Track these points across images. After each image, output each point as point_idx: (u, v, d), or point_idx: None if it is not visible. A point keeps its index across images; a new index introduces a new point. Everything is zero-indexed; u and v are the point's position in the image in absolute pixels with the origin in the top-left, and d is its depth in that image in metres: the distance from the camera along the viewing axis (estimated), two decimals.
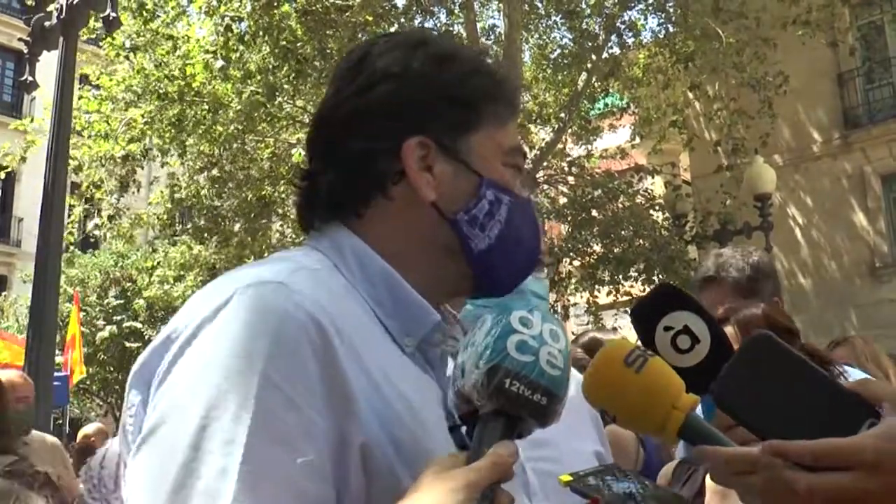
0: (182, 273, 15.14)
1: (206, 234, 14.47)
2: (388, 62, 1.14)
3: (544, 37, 15.99)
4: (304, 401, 0.90)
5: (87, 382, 18.57)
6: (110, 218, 14.20)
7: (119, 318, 22.55)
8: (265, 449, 0.87)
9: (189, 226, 14.74)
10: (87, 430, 8.35)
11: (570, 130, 15.69)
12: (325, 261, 1.10)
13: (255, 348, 0.91)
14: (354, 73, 1.16)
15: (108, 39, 12.47)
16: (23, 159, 13.88)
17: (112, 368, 22.54)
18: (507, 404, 0.91)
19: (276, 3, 11.89)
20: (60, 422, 14.45)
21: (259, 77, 12.21)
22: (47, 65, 8.66)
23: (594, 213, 14.25)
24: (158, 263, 16.51)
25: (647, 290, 2.68)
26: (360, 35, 12.25)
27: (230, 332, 0.92)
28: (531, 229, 1.19)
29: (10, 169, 14.34)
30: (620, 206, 14.34)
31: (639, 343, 1.17)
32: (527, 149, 15.13)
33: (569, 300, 15.31)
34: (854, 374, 2.60)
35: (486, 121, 1.14)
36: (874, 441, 0.87)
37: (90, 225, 13.85)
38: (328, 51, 12.16)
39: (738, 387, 0.95)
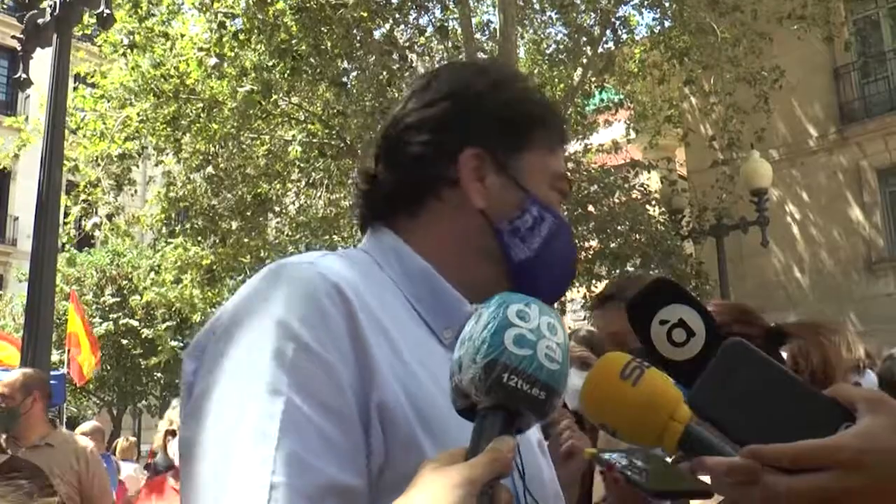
0: (179, 275, 15.14)
1: (200, 236, 14.46)
2: (452, 84, 1.28)
3: (539, 32, 15.98)
4: (335, 358, 0.99)
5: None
6: (109, 217, 14.19)
7: (115, 315, 22.57)
8: (301, 401, 0.95)
9: (187, 226, 14.72)
10: (83, 428, 8.34)
11: (565, 126, 15.67)
12: (366, 257, 1.22)
13: (286, 315, 1.01)
14: (422, 90, 1.30)
15: (103, 37, 12.44)
16: (15, 156, 13.88)
17: (108, 366, 22.57)
18: (506, 399, 0.90)
19: (270, 0, 11.86)
20: (58, 420, 14.42)
21: (254, 74, 12.20)
22: (42, 62, 8.64)
23: (590, 208, 14.28)
24: (160, 265, 16.53)
25: None
26: (354, 32, 12.24)
27: (266, 304, 1.03)
28: (569, 251, 1.30)
29: (2, 167, 14.34)
30: (617, 201, 14.36)
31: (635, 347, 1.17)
32: None
33: (565, 295, 15.32)
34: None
35: (536, 144, 1.26)
36: (852, 440, 0.87)
37: (89, 224, 13.80)
38: (323, 48, 12.14)
39: (715, 395, 0.95)
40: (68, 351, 11.92)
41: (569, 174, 1.29)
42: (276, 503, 0.89)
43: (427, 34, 13.62)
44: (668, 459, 1.51)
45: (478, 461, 0.85)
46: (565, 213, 11.05)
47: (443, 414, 1.03)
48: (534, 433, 1.33)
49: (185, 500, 0.99)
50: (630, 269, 13.75)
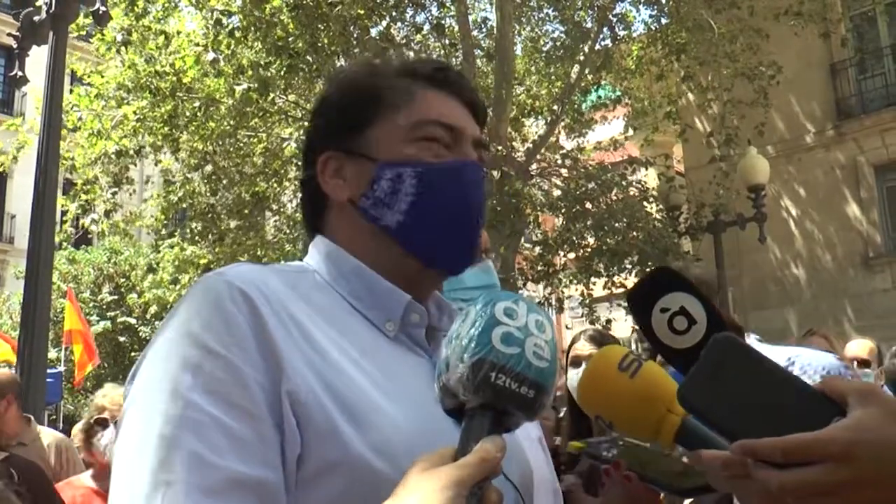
0: (177, 276, 15.13)
1: (198, 237, 14.45)
2: (315, 104, 1.38)
3: (536, 29, 15.99)
4: (238, 358, 1.01)
5: None
6: (107, 213, 14.17)
7: (112, 313, 22.57)
8: (203, 401, 0.97)
9: (186, 228, 14.70)
10: (81, 426, 8.30)
11: (562, 123, 15.68)
12: (304, 266, 1.26)
13: (192, 324, 1.04)
14: None
15: (99, 35, 12.42)
16: (14, 159, 13.89)
17: (106, 364, 22.58)
18: (494, 398, 0.89)
19: None
20: (54, 418, 14.42)
21: (251, 72, 12.18)
22: (38, 62, 8.62)
23: (588, 205, 14.25)
24: (158, 264, 16.51)
25: None
26: (351, 29, 12.22)
27: (179, 319, 1.06)
28: (458, 191, 1.24)
29: (1, 169, 14.36)
30: (614, 198, 14.34)
31: (633, 334, 1.17)
32: (520, 142, 15.15)
33: (562, 292, 15.33)
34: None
35: (379, 114, 1.26)
36: (843, 432, 0.86)
37: (87, 220, 13.79)
38: (320, 45, 12.12)
39: (705, 389, 0.94)
40: (65, 349, 11.92)
41: (444, 122, 1.25)
42: (168, 498, 0.92)
43: (424, 31, 13.60)
44: (665, 452, 1.49)
45: (466, 461, 0.84)
46: (563, 210, 11.00)
47: (372, 403, 1.04)
48: (534, 429, 1.32)
49: None
50: (627, 266, 13.74)
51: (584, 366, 3.30)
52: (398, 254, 1.22)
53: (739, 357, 0.95)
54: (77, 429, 4.57)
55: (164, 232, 15.13)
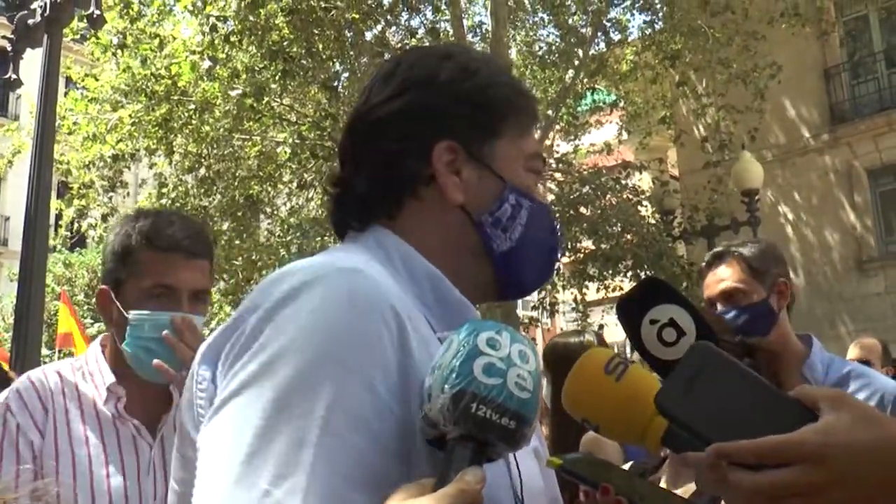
0: None
1: None
2: (417, 72, 1.21)
3: (531, 34, 16.00)
4: (381, 385, 0.93)
5: None
6: (104, 217, 14.15)
7: None
8: (340, 424, 0.90)
9: None
10: None
11: (557, 127, 15.69)
12: (373, 261, 1.12)
13: (336, 331, 0.94)
14: (385, 82, 1.22)
15: (94, 38, 12.41)
16: (9, 162, 13.88)
17: None
18: (475, 429, 0.87)
19: (261, 2, 11.83)
20: None
21: (246, 77, 12.17)
22: (32, 65, 8.61)
23: (582, 209, 14.27)
24: None
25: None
26: (346, 34, 12.22)
27: (312, 312, 0.96)
28: (550, 233, 1.25)
29: None
30: (608, 202, 14.36)
31: (623, 340, 1.17)
32: None
33: (556, 297, 15.33)
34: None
35: (508, 128, 1.20)
36: (813, 435, 0.88)
37: (84, 224, 13.77)
38: (314, 49, 12.12)
39: (681, 396, 0.94)
40: (59, 351, 11.87)
41: (544, 154, 1.24)
42: None
43: (419, 36, 13.61)
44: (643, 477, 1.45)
45: (446, 492, 0.83)
46: (557, 213, 11.05)
47: None
48: (532, 439, 1.29)
49: None
50: (622, 270, 13.75)
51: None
52: (484, 274, 1.19)
53: (716, 365, 0.96)
54: None
55: None
